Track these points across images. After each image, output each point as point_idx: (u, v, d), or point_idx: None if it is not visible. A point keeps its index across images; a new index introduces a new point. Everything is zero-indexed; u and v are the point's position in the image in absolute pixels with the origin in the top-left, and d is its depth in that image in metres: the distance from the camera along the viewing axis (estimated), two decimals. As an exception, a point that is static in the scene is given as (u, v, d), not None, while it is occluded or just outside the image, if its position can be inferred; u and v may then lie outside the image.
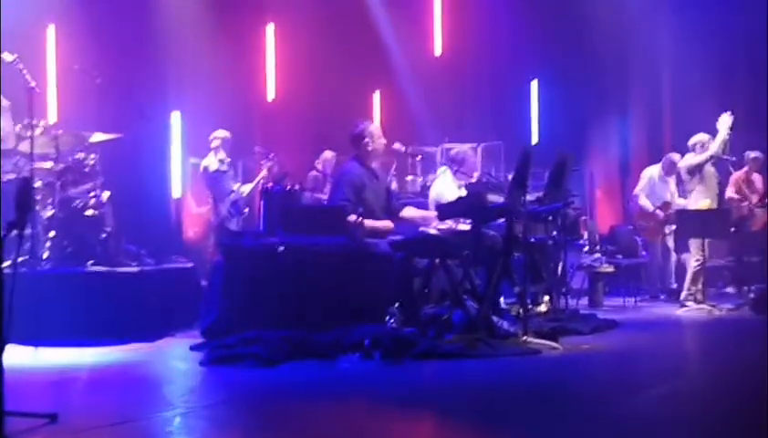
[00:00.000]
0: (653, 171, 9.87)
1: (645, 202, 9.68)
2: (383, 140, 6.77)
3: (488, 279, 6.24)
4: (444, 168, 7.93)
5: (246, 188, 9.06)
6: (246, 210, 8.91)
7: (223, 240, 8.01)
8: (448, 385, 4.87)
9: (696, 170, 8.80)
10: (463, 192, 7.37)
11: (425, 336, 5.76)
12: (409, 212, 6.84)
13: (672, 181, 9.75)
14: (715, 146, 8.67)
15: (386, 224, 6.39)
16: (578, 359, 5.65)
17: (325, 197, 9.50)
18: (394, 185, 9.55)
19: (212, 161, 8.89)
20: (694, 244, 8.72)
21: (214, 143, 8.98)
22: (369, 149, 6.63)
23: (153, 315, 6.75)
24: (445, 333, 5.94)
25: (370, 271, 5.93)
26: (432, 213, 6.80)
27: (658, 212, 9.54)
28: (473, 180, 7.60)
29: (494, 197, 6.25)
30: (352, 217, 6.09)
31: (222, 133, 8.93)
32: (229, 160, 9.08)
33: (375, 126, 6.84)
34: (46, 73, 8.78)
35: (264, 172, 8.93)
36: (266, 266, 6.12)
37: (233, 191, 8.91)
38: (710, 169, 8.84)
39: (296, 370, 5.13)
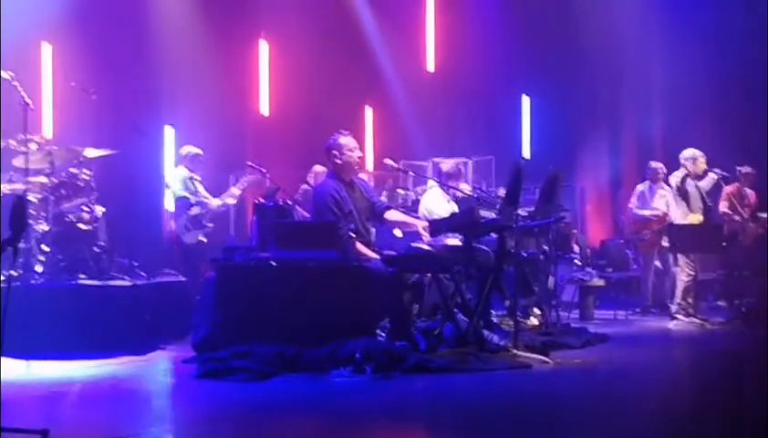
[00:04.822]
0: (643, 185, 9.95)
1: (639, 210, 9.75)
2: (357, 153, 6.48)
3: (479, 294, 6.27)
4: (432, 182, 7.94)
5: (215, 201, 8.81)
6: (210, 225, 8.74)
7: (215, 255, 8.00)
8: (438, 400, 4.89)
9: (683, 193, 8.89)
10: (454, 206, 7.42)
11: (416, 350, 5.78)
12: (392, 215, 6.69)
13: (660, 190, 9.78)
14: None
15: (373, 255, 6.21)
16: (569, 374, 5.66)
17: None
18: (384, 198, 9.55)
19: (175, 176, 8.78)
20: (683, 257, 8.77)
21: (182, 159, 8.89)
22: (339, 162, 6.40)
23: (145, 328, 6.77)
24: (437, 347, 5.97)
25: (362, 286, 5.94)
26: (420, 222, 6.65)
27: (656, 212, 9.56)
28: (468, 193, 7.62)
29: (486, 213, 6.28)
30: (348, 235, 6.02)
31: (191, 149, 8.83)
32: (199, 177, 8.80)
33: (347, 138, 6.50)
34: (42, 89, 8.81)
35: (243, 184, 8.80)
36: (258, 281, 6.13)
37: (192, 205, 8.73)
38: (694, 191, 8.89)
39: (288, 385, 5.15)
